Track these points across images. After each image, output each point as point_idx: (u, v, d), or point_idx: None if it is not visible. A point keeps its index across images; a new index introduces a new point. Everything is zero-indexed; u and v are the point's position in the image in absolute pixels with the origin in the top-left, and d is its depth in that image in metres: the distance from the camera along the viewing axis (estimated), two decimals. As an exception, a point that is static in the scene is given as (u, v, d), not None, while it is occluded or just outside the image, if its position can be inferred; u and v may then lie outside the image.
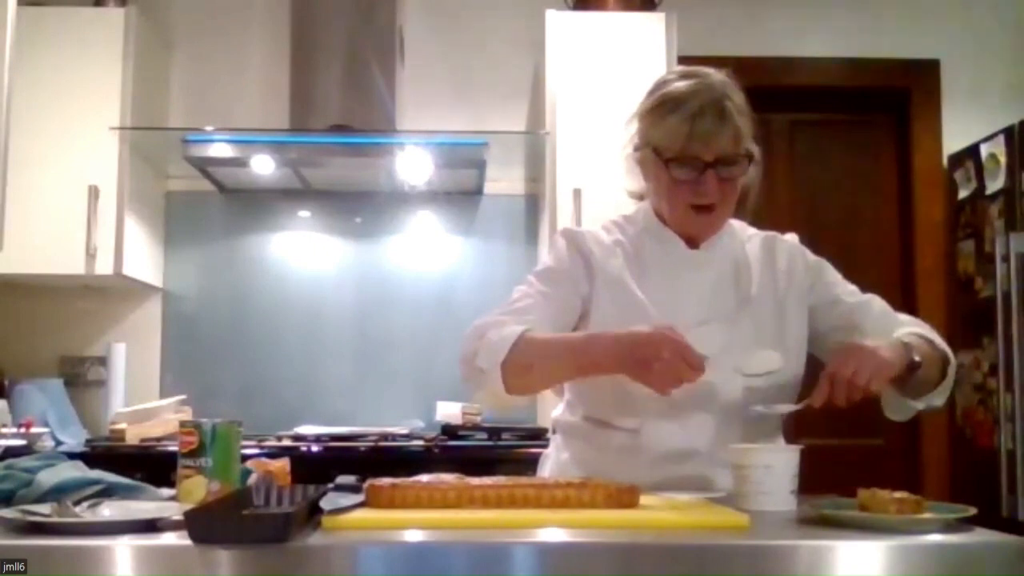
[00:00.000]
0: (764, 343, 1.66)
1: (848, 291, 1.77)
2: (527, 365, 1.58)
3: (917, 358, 1.56)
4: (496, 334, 1.59)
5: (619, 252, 1.73)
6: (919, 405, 1.64)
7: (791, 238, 1.82)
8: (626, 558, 1.12)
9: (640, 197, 1.82)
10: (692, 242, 1.73)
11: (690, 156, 1.61)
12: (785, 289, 1.73)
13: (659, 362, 1.45)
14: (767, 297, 1.72)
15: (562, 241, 1.77)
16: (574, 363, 1.60)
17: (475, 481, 1.34)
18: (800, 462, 1.43)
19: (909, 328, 1.67)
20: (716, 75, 1.65)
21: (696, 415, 1.63)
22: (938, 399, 1.66)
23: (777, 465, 1.41)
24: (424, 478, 1.37)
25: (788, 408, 1.59)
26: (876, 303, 1.75)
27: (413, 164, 3.28)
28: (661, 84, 1.69)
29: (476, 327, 1.64)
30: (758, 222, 1.84)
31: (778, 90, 3.54)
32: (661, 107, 1.64)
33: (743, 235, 1.79)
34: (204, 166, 3.37)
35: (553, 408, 1.88)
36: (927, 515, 1.25)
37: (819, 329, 1.73)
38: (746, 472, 1.42)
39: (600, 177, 3.11)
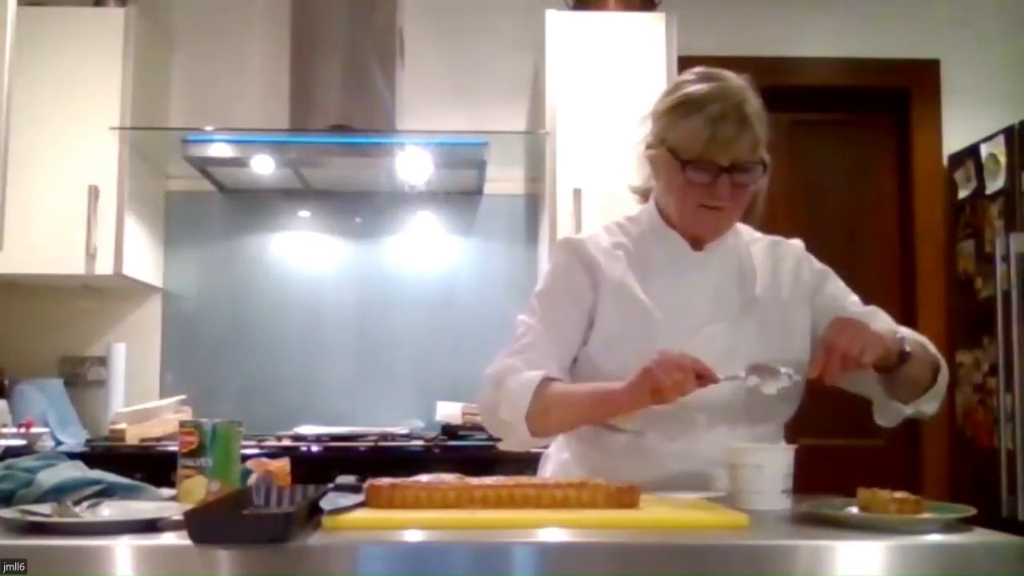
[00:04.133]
0: (768, 345, 1.65)
1: (852, 301, 1.77)
2: (548, 414, 1.62)
3: (908, 348, 1.57)
4: (515, 382, 1.62)
5: (621, 255, 1.72)
6: (907, 410, 1.64)
7: (797, 243, 1.82)
8: (626, 558, 1.12)
9: (643, 194, 1.82)
10: (696, 244, 1.72)
11: (707, 160, 1.60)
12: (790, 293, 1.73)
13: (669, 382, 1.47)
14: (771, 299, 1.72)
15: (561, 253, 1.76)
16: (597, 412, 1.64)
17: (475, 481, 1.34)
18: (795, 462, 1.44)
19: (906, 333, 1.68)
20: (735, 79, 1.64)
21: (700, 416, 1.63)
22: (927, 405, 1.65)
23: (767, 465, 1.42)
24: (424, 478, 1.37)
25: (780, 384, 1.55)
26: (880, 315, 1.75)
27: (413, 164, 3.28)
28: (680, 84, 1.67)
29: (491, 376, 1.67)
30: (758, 222, 1.83)
31: (778, 90, 3.46)
32: (680, 108, 1.63)
33: (748, 238, 1.78)
34: (204, 166, 3.37)
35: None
36: (927, 515, 1.25)
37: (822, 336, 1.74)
38: (738, 471, 1.43)
39: (600, 177, 3.11)
